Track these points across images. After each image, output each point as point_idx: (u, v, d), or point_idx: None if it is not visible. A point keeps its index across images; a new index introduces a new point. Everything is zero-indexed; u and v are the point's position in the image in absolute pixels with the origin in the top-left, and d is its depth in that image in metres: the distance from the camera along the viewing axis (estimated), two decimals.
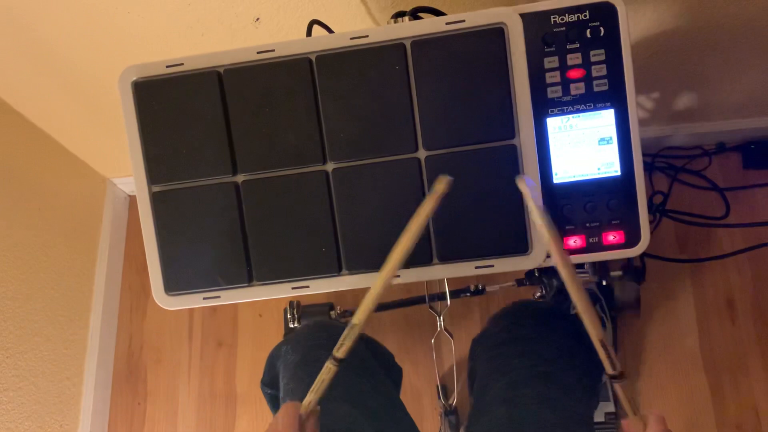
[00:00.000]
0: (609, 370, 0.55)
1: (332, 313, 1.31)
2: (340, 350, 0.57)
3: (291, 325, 1.30)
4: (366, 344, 0.89)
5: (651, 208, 1.36)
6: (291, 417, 0.56)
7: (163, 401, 1.48)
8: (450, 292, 1.16)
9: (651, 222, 1.35)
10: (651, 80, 1.21)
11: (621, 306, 1.25)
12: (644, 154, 0.63)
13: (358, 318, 0.57)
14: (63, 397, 1.35)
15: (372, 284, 0.57)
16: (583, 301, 0.54)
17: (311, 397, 0.58)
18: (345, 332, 0.57)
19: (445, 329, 1.19)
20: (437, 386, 1.32)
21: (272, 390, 0.86)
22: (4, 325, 1.20)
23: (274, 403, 0.86)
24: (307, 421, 0.58)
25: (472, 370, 0.89)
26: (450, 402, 1.30)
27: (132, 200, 1.64)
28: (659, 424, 0.54)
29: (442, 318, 1.19)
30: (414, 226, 0.57)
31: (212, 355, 1.49)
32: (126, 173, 1.55)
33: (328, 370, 0.58)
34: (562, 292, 1.23)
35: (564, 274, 0.54)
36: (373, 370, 0.85)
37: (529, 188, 0.58)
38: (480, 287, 1.22)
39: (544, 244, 0.56)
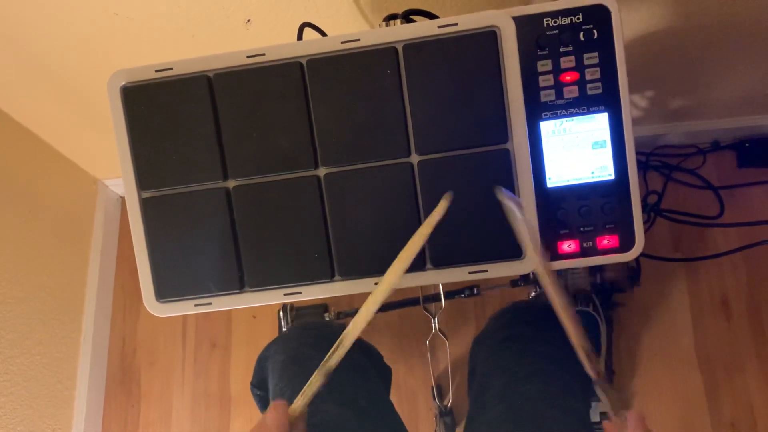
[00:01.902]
0: (591, 373, 0.57)
1: (326, 315, 1.31)
2: (332, 358, 0.57)
3: (285, 328, 1.29)
4: (357, 344, 0.88)
5: (645, 207, 1.36)
6: (280, 415, 0.55)
7: (157, 403, 1.47)
8: (444, 293, 1.16)
9: (645, 222, 1.35)
10: (645, 79, 1.21)
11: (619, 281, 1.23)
12: (638, 153, 0.63)
13: (349, 336, 0.57)
14: (56, 400, 1.34)
15: (363, 305, 0.57)
16: (564, 311, 0.55)
17: (301, 401, 0.57)
18: (333, 348, 0.56)
19: (440, 331, 1.18)
20: (432, 387, 1.32)
21: (261, 391, 0.86)
22: None
23: (264, 405, 0.86)
24: (296, 423, 0.57)
25: (473, 369, 0.89)
26: (445, 403, 1.29)
27: (124, 202, 1.63)
28: (638, 422, 0.54)
29: (436, 319, 1.18)
30: (418, 240, 0.57)
31: (206, 357, 1.48)
32: (118, 175, 1.54)
33: (318, 378, 0.57)
34: None
35: (547, 287, 0.56)
36: (365, 369, 0.85)
37: (512, 200, 0.59)
38: (474, 289, 1.22)
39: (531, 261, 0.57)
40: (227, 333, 1.49)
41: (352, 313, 1.28)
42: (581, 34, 0.63)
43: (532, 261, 0.57)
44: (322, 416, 0.74)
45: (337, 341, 0.57)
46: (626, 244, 0.65)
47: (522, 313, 0.86)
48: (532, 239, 0.57)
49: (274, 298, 0.68)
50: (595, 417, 1.22)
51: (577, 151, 0.64)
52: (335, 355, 0.56)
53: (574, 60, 0.63)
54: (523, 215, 0.58)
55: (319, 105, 0.65)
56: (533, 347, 0.79)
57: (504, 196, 0.60)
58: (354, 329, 0.57)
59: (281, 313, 1.31)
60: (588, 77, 0.63)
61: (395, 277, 0.57)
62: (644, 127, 1.38)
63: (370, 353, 0.92)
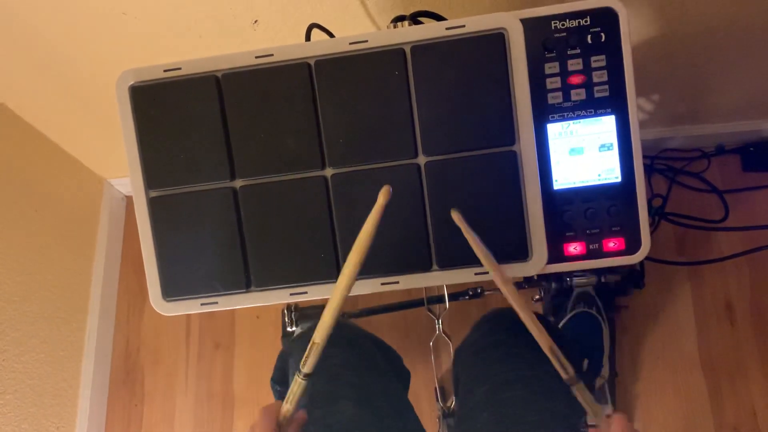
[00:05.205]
0: (562, 374, 0.58)
1: None
2: (306, 365, 0.58)
3: (289, 328, 1.30)
4: (377, 346, 0.89)
5: (650, 211, 1.36)
6: (269, 421, 0.57)
7: (161, 403, 1.47)
8: (449, 295, 1.16)
9: (650, 225, 1.35)
10: (651, 83, 1.21)
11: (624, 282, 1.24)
12: (643, 156, 0.63)
13: (320, 336, 0.58)
14: (60, 399, 1.35)
15: (327, 302, 0.58)
16: (527, 316, 0.58)
17: (287, 407, 0.58)
18: (307, 350, 0.58)
19: (444, 332, 1.18)
20: (436, 389, 1.32)
21: (281, 387, 0.87)
22: (1, 328, 1.19)
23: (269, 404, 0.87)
24: (288, 426, 0.59)
25: (457, 378, 0.89)
26: (448, 404, 1.29)
27: (129, 201, 1.63)
28: (621, 423, 0.55)
29: (440, 321, 1.18)
30: (363, 240, 0.57)
31: (209, 357, 1.48)
32: (123, 174, 1.54)
33: (298, 383, 0.59)
34: (560, 294, 1.23)
35: (509, 298, 0.58)
36: (384, 371, 0.85)
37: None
38: (479, 290, 1.22)
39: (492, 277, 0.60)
40: (231, 333, 1.49)
41: (357, 314, 1.28)
42: (589, 36, 0.63)
43: (491, 271, 0.59)
44: (339, 416, 0.74)
45: (309, 346, 0.58)
46: (632, 246, 0.65)
47: (502, 319, 0.86)
48: (486, 252, 0.59)
49: (280, 297, 0.68)
50: (592, 421, 1.22)
51: (584, 153, 0.64)
52: (310, 357, 0.58)
53: (581, 62, 0.64)
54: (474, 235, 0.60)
55: (326, 106, 0.65)
56: (514, 352, 0.80)
57: (459, 219, 0.61)
58: (319, 337, 0.58)
59: (285, 313, 1.31)
60: (595, 80, 0.64)
61: (348, 281, 0.57)
62: (649, 130, 1.38)
63: (390, 355, 0.92)
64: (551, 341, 0.58)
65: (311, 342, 0.58)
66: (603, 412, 0.59)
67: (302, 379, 0.58)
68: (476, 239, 0.59)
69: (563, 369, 0.58)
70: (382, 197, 0.56)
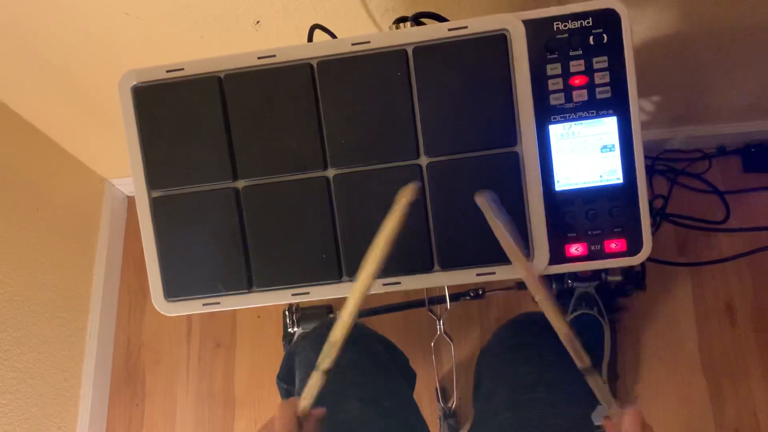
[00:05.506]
0: (578, 362, 0.57)
1: (331, 315, 1.31)
2: (325, 362, 0.57)
3: (290, 329, 1.30)
4: (383, 345, 0.89)
5: (651, 212, 1.36)
6: (288, 416, 0.56)
7: (162, 402, 1.47)
8: (450, 295, 1.16)
9: (651, 226, 1.35)
10: (652, 83, 1.21)
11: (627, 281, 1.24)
12: (644, 157, 0.63)
13: (335, 336, 0.56)
14: (61, 398, 1.35)
15: (347, 300, 0.56)
16: (548, 303, 0.56)
17: (305, 403, 0.58)
18: (325, 349, 0.56)
19: (445, 332, 1.19)
20: (437, 389, 1.32)
21: (287, 385, 0.87)
22: (2, 327, 1.19)
23: (288, 398, 0.87)
24: (306, 422, 0.58)
25: (478, 383, 0.89)
26: (449, 405, 1.29)
27: (130, 201, 1.64)
28: (635, 417, 0.54)
29: (441, 321, 1.18)
30: (384, 238, 0.55)
31: (210, 357, 1.49)
32: (124, 174, 1.54)
33: (316, 379, 0.57)
34: (560, 296, 1.23)
35: (531, 287, 0.57)
36: (390, 370, 0.86)
37: (492, 204, 0.58)
38: (480, 291, 1.22)
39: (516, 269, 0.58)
40: (232, 333, 1.50)
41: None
42: (591, 38, 0.63)
43: (515, 264, 0.57)
44: (345, 415, 0.74)
45: (326, 344, 0.56)
46: (634, 248, 0.65)
47: (526, 323, 0.87)
48: (515, 244, 0.57)
49: (282, 298, 0.68)
50: (598, 420, 1.22)
51: (585, 154, 0.65)
52: (328, 359, 0.56)
53: (583, 64, 0.64)
54: (502, 221, 0.57)
55: (328, 106, 0.65)
56: (539, 355, 0.80)
57: (485, 202, 0.59)
58: (339, 334, 0.56)
59: (286, 313, 1.31)
60: (597, 81, 0.64)
61: (369, 279, 0.56)
62: (650, 131, 1.38)
63: (395, 355, 0.93)
64: (569, 329, 0.56)
65: (327, 341, 0.56)
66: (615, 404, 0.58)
67: (321, 374, 0.57)
68: (501, 227, 0.57)
69: (579, 358, 0.57)
70: (405, 197, 0.55)
